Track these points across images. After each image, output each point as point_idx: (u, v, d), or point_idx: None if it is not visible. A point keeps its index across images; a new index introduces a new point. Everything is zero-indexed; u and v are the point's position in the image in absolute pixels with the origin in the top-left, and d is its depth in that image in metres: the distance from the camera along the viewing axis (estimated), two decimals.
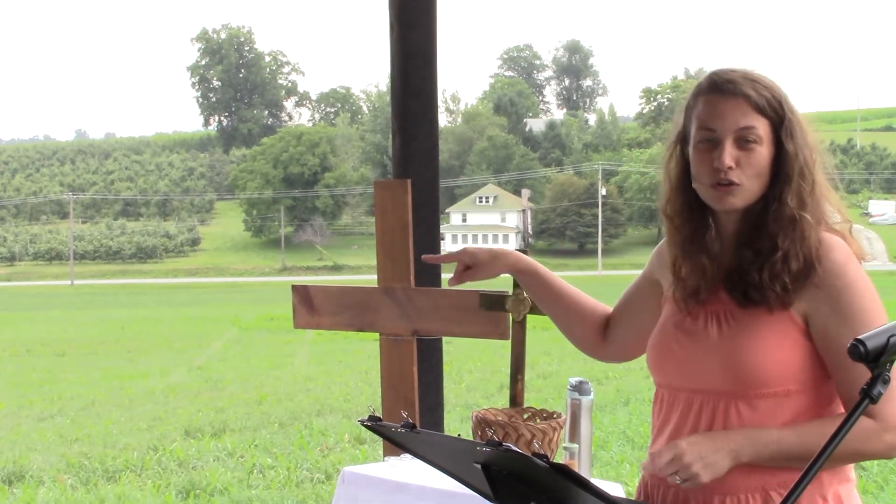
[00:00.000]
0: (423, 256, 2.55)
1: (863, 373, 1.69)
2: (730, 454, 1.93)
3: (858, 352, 1.55)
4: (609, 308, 2.39)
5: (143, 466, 8.35)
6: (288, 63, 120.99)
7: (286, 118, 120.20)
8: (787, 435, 1.95)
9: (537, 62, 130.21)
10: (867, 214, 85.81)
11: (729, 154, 1.99)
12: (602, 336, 2.37)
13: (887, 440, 1.93)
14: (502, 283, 3.06)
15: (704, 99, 2.03)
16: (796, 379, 1.99)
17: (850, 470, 2.07)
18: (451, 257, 2.39)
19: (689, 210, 2.11)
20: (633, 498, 2.21)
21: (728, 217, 2.07)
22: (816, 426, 1.96)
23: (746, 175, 2.00)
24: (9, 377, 16.83)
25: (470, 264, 2.36)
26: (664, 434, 2.11)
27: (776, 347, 1.97)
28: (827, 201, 2.05)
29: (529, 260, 2.39)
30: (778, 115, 2.01)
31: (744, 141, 2.00)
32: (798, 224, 1.99)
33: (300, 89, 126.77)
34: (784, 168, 2.01)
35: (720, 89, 2.02)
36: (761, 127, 2.00)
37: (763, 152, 2.00)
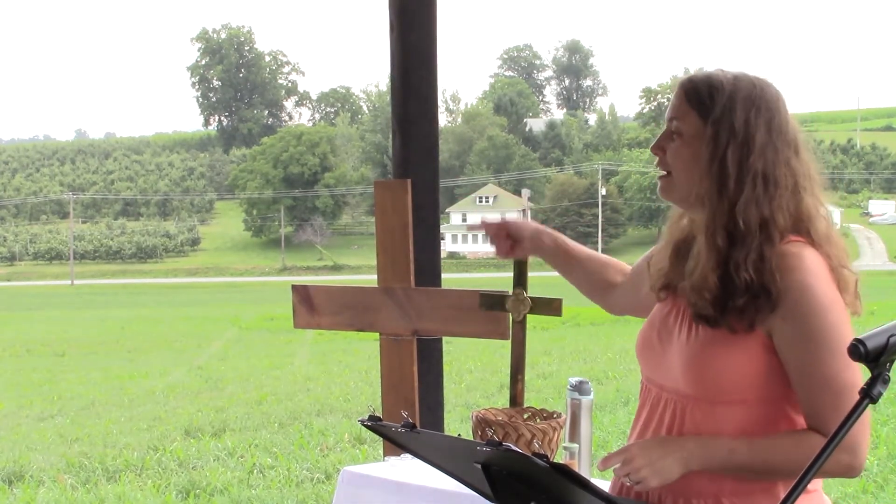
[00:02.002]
0: (483, 223, 2.62)
1: (825, 390, 1.81)
2: (680, 461, 1.93)
3: (858, 352, 1.55)
4: (626, 266, 2.51)
5: (143, 466, 8.35)
6: (288, 63, 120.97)
7: (286, 118, 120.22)
8: (739, 446, 1.94)
9: (537, 62, 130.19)
10: (867, 214, 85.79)
11: (657, 141, 2.06)
12: (608, 287, 2.48)
13: (843, 459, 1.89)
14: (503, 282, 3.06)
15: None
16: (754, 389, 1.97)
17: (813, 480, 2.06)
18: (495, 227, 2.56)
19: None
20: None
21: (695, 218, 2.07)
22: (769, 441, 1.94)
23: (674, 167, 2.02)
24: (9, 377, 16.84)
25: (515, 238, 2.49)
26: (638, 425, 2.13)
27: (738, 359, 1.96)
28: (799, 209, 1.98)
29: (554, 238, 2.52)
30: (707, 108, 1.98)
31: (671, 132, 2.04)
32: (717, 236, 1.94)
33: (300, 89, 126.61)
34: (708, 168, 1.97)
35: (677, 83, 2.08)
36: (686, 121, 2.00)
37: (684, 146, 2.00)
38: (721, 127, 1.96)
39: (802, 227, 1.98)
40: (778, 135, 1.98)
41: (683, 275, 2.06)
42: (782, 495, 1.94)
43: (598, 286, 2.49)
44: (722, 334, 1.96)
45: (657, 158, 2.05)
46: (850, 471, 1.93)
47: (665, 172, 2.05)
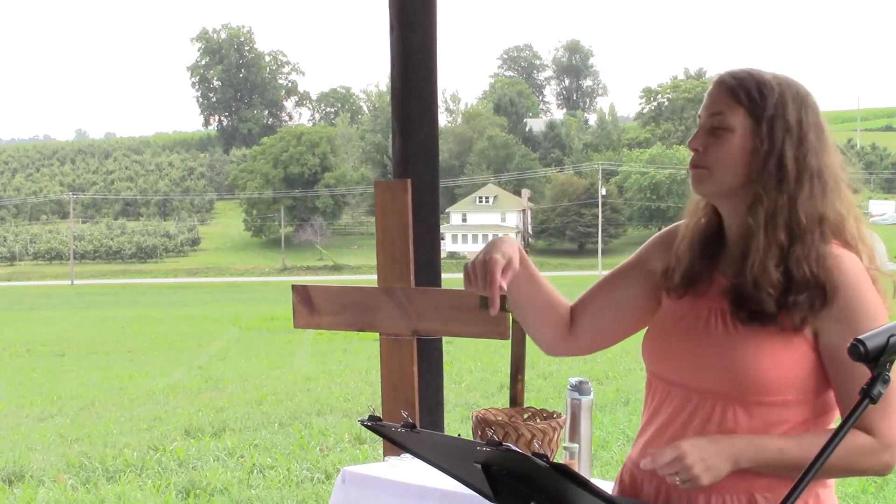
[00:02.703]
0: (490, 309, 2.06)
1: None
2: (730, 459, 1.92)
3: (858, 352, 1.55)
4: (568, 301, 2.28)
5: (143, 466, 8.35)
6: (288, 63, 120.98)
7: (286, 118, 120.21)
8: (790, 445, 1.94)
9: (537, 62, 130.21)
10: (867, 214, 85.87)
11: (698, 137, 2.03)
12: (569, 329, 2.26)
13: (884, 458, 1.93)
14: None
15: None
16: (797, 389, 1.98)
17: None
18: (494, 280, 2.02)
19: (709, 203, 2.12)
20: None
21: (728, 213, 2.07)
22: (819, 438, 1.93)
23: (715, 162, 2.01)
24: (9, 377, 16.84)
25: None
26: (653, 426, 2.10)
27: (782, 357, 1.96)
28: (837, 209, 2.00)
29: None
30: (759, 107, 1.99)
31: (716, 128, 2.02)
32: (766, 232, 1.96)
33: (300, 89, 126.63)
34: (760, 164, 1.99)
35: (714, 81, 2.06)
36: (735, 116, 2.00)
37: (734, 141, 2.00)
38: (776, 124, 1.98)
39: (839, 227, 2.01)
40: (821, 133, 2.02)
41: (710, 271, 2.07)
42: (808, 487, 1.97)
43: (563, 321, 2.25)
44: (769, 332, 1.96)
45: (693, 153, 2.04)
46: (886, 469, 1.96)
47: (700, 166, 2.03)
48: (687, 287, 2.09)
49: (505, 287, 2.00)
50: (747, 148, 1.99)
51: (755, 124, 1.99)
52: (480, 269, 2.00)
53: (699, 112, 2.07)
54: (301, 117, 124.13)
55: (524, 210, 62.26)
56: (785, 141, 1.98)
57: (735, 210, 2.05)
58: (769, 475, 1.96)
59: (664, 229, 2.27)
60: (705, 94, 2.06)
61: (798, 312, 1.93)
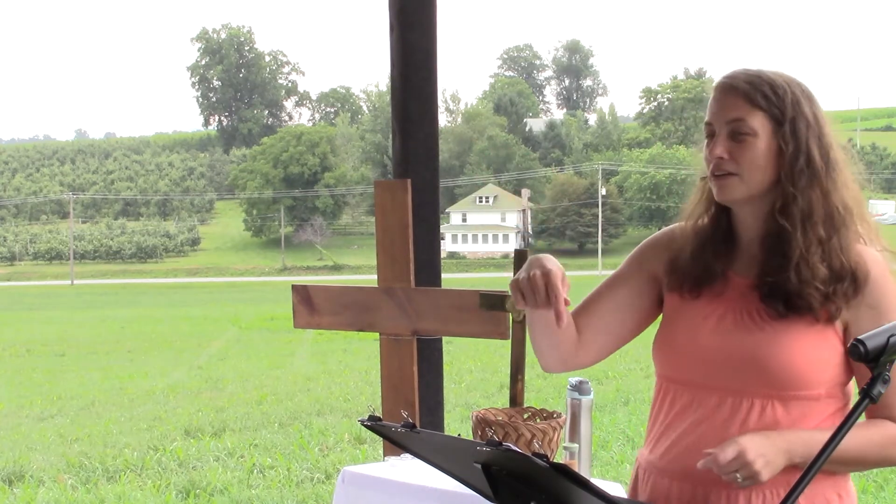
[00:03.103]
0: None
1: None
2: (786, 454, 1.94)
3: (858, 352, 1.56)
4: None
5: (143, 466, 8.35)
6: (288, 63, 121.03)
7: (286, 118, 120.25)
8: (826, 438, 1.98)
9: (537, 62, 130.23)
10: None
11: (720, 145, 2.03)
12: (577, 340, 2.22)
13: None
14: (503, 282, 3.06)
15: (712, 95, 2.09)
16: (829, 382, 2.01)
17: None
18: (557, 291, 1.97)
19: (713, 201, 2.12)
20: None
21: (747, 215, 2.09)
22: (857, 430, 1.97)
23: (741, 167, 2.02)
24: (9, 377, 16.83)
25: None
26: (678, 429, 2.09)
27: (816, 351, 1.99)
28: (853, 205, 2.05)
29: None
30: (778, 108, 2.01)
31: (737, 133, 2.02)
32: (809, 226, 2.00)
33: (300, 89, 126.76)
34: (789, 164, 2.01)
35: (720, 86, 2.07)
36: (755, 120, 2.01)
37: (759, 145, 2.01)
38: (798, 123, 2.01)
39: (860, 215, 2.07)
40: (830, 128, 2.07)
41: (723, 271, 2.09)
42: (841, 481, 2.05)
43: (574, 336, 2.20)
44: (803, 327, 2.00)
45: (716, 161, 2.03)
46: None
47: (728, 173, 2.04)
48: (702, 288, 2.11)
49: (568, 301, 1.96)
50: (773, 150, 2.02)
51: (776, 125, 2.01)
52: (541, 284, 1.93)
53: (708, 119, 2.07)
54: (301, 117, 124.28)
55: (524, 210, 62.30)
56: (809, 138, 2.01)
57: (756, 212, 2.07)
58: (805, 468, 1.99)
59: (657, 233, 2.28)
60: (711, 101, 2.07)
61: (835, 302, 1.98)
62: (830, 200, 2.01)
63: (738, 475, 1.91)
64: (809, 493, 1.98)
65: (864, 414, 1.94)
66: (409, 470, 2.94)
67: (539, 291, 1.93)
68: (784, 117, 2.01)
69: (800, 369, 1.98)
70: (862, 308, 1.99)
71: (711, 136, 2.06)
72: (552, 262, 1.97)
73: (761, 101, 2.01)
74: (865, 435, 1.99)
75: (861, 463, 2.03)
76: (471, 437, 2.49)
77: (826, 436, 1.95)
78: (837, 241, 2.00)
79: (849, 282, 1.99)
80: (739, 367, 2.02)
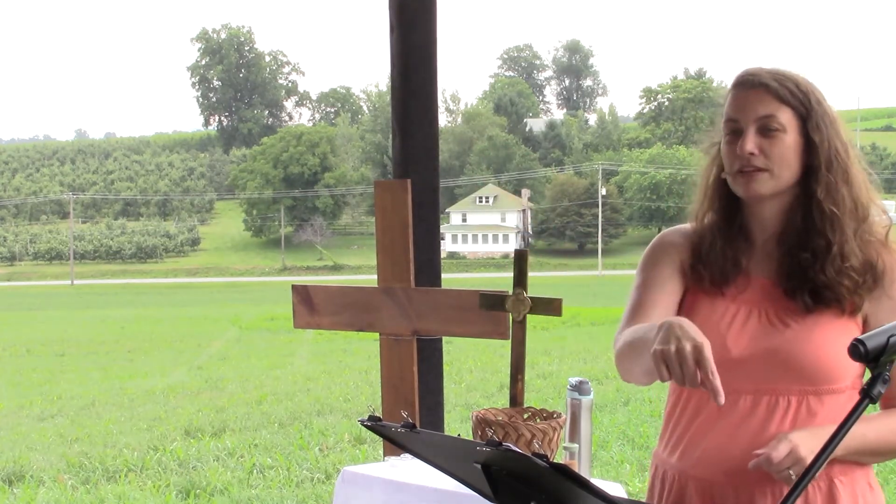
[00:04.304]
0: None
1: None
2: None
3: (858, 351, 1.55)
4: None
5: (143, 466, 8.35)
6: (288, 63, 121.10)
7: (286, 118, 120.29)
8: (868, 430, 2.01)
9: (537, 62, 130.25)
10: None
11: (751, 140, 2.03)
12: None
13: None
14: (503, 282, 3.05)
15: (731, 94, 2.09)
16: (854, 375, 2.05)
17: None
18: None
19: (725, 201, 2.13)
20: (636, 497, 2.21)
21: (765, 213, 2.10)
22: (884, 423, 2.04)
23: (772, 162, 2.03)
24: (9, 377, 16.83)
25: None
26: (706, 437, 2.08)
27: (844, 343, 1.99)
28: (869, 199, 2.08)
29: None
30: (803, 105, 2.03)
31: (766, 129, 2.03)
32: (841, 218, 2.03)
33: (300, 89, 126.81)
34: (815, 159, 2.04)
35: (743, 83, 2.07)
36: (784, 115, 2.03)
37: (788, 140, 2.03)
38: (821, 118, 2.04)
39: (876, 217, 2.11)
40: (839, 125, 2.09)
41: (742, 270, 2.10)
42: (871, 472, 2.09)
43: None
44: (830, 322, 2.02)
45: (742, 161, 2.03)
46: None
47: (758, 168, 2.04)
48: (725, 285, 2.11)
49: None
50: (800, 145, 2.04)
51: (803, 122, 2.03)
52: (691, 361, 1.76)
53: (731, 116, 2.06)
54: (301, 117, 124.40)
55: (524, 210, 62.28)
56: (831, 133, 2.04)
57: (777, 209, 2.08)
58: (843, 460, 2.02)
59: (668, 233, 2.25)
60: (734, 97, 2.06)
61: (861, 294, 2.02)
62: (855, 193, 2.04)
63: (791, 471, 1.92)
64: (849, 483, 2.04)
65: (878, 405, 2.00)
66: (409, 470, 2.94)
67: (689, 370, 1.76)
68: (809, 113, 2.03)
69: (831, 363, 2.00)
70: (883, 300, 2.03)
71: (735, 133, 2.06)
72: (697, 331, 1.80)
73: (789, 97, 2.03)
74: (888, 424, 2.04)
75: (890, 452, 2.08)
76: (471, 437, 2.49)
77: (863, 427, 1.99)
78: (861, 233, 2.04)
79: (871, 273, 2.03)
80: (772, 367, 2.03)
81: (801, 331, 2.02)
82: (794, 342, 2.02)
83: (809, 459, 1.90)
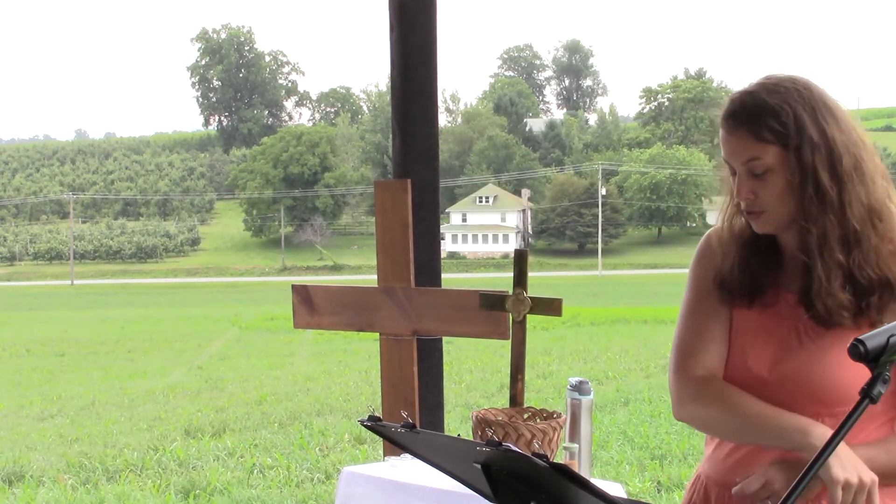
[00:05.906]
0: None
1: None
2: (866, 468, 1.95)
3: (858, 352, 1.55)
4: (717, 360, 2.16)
5: (143, 466, 8.35)
6: (288, 63, 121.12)
7: (286, 118, 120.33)
8: (878, 453, 1.99)
9: (537, 62, 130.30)
10: None
11: (744, 186, 2.03)
12: None
13: None
14: (503, 282, 3.06)
15: (721, 132, 2.06)
16: None
17: None
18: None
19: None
20: (636, 497, 2.21)
21: (785, 234, 2.08)
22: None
23: (766, 203, 2.02)
24: (9, 377, 16.83)
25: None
26: (739, 449, 2.10)
27: (857, 365, 1.98)
28: (880, 195, 2.01)
29: None
30: (787, 135, 1.97)
31: (754, 172, 2.01)
32: (835, 251, 1.98)
33: (300, 89, 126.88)
34: (797, 197, 1.99)
35: (727, 123, 2.03)
36: (768, 155, 1.99)
37: (776, 179, 2.00)
38: (802, 148, 1.97)
39: (884, 211, 2.02)
40: (846, 124, 2.01)
41: (772, 282, 2.09)
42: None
43: None
44: (840, 335, 1.99)
45: (745, 202, 2.03)
46: None
47: (760, 211, 2.04)
48: (753, 299, 2.11)
49: None
50: (796, 176, 1.99)
51: (786, 154, 1.98)
52: (866, 494, 1.89)
53: (724, 158, 2.05)
54: (301, 117, 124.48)
55: (524, 210, 62.21)
56: (815, 162, 1.97)
57: (795, 230, 2.05)
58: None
59: (701, 248, 2.22)
60: (722, 138, 2.04)
61: (870, 316, 1.97)
62: (846, 218, 1.97)
63: (769, 501, 1.95)
64: (888, 498, 2.00)
65: None
66: (409, 470, 2.94)
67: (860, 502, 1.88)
68: (789, 146, 1.98)
69: (844, 385, 1.97)
70: None
71: (734, 172, 2.05)
72: (866, 467, 1.92)
73: (768, 135, 1.98)
74: None
75: None
76: (471, 437, 2.49)
77: (871, 450, 1.96)
78: (861, 255, 1.97)
79: (884, 289, 1.97)
80: (788, 389, 2.03)
81: (816, 350, 2.01)
82: (808, 363, 2.01)
83: (784, 493, 1.91)
